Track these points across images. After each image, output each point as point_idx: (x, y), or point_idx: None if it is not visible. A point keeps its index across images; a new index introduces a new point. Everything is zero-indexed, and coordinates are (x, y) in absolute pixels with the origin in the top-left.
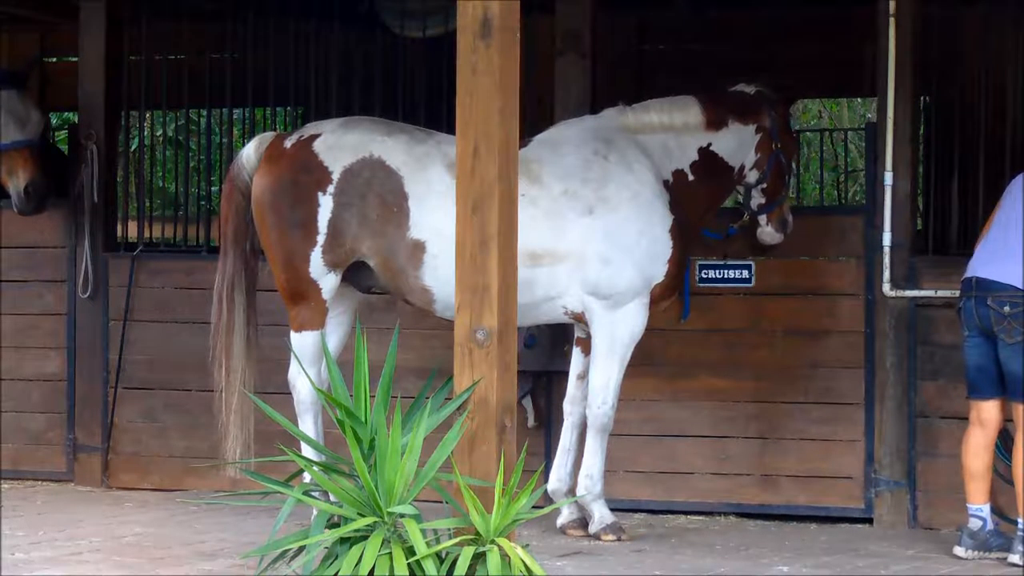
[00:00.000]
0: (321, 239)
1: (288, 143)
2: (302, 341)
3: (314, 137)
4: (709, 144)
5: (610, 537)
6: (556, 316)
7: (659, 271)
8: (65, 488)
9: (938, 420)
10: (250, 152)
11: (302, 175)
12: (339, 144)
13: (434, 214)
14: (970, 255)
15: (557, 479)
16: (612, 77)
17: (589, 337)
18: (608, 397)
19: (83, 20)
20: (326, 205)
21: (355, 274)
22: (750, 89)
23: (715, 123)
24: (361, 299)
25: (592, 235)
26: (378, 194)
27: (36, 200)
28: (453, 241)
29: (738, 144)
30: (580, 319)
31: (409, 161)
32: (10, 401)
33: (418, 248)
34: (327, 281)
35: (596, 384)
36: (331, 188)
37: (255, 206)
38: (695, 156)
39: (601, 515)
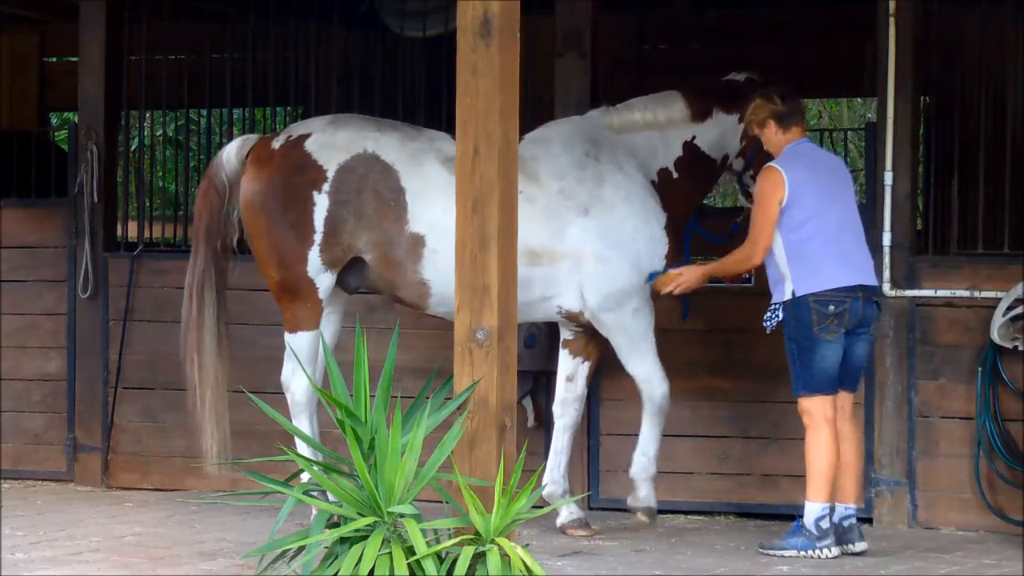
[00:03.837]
0: (318, 238)
1: (277, 144)
2: (297, 341)
3: (304, 137)
4: (693, 137)
5: (644, 518)
6: (549, 315)
7: (657, 268)
8: (65, 488)
9: (938, 420)
10: (231, 153)
11: (296, 175)
12: (332, 142)
13: (432, 208)
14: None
15: (552, 481)
16: (612, 77)
17: (576, 336)
18: (660, 382)
19: (83, 20)
20: (322, 204)
21: (343, 274)
22: (740, 77)
23: (700, 115)
24: (359, 299)
25: (589, 235)
26: (374, 190)
27: None
28: (451, 236)
29: (721, 134)
30: (574, 318)
31: (403, 156)
32: (10, 401)
33: (418, 242)
34: (324, 280)
35: (639, 375)
36: (326, 186)
37: (245, 209)
38: (679, 152)
39: (646, 494)
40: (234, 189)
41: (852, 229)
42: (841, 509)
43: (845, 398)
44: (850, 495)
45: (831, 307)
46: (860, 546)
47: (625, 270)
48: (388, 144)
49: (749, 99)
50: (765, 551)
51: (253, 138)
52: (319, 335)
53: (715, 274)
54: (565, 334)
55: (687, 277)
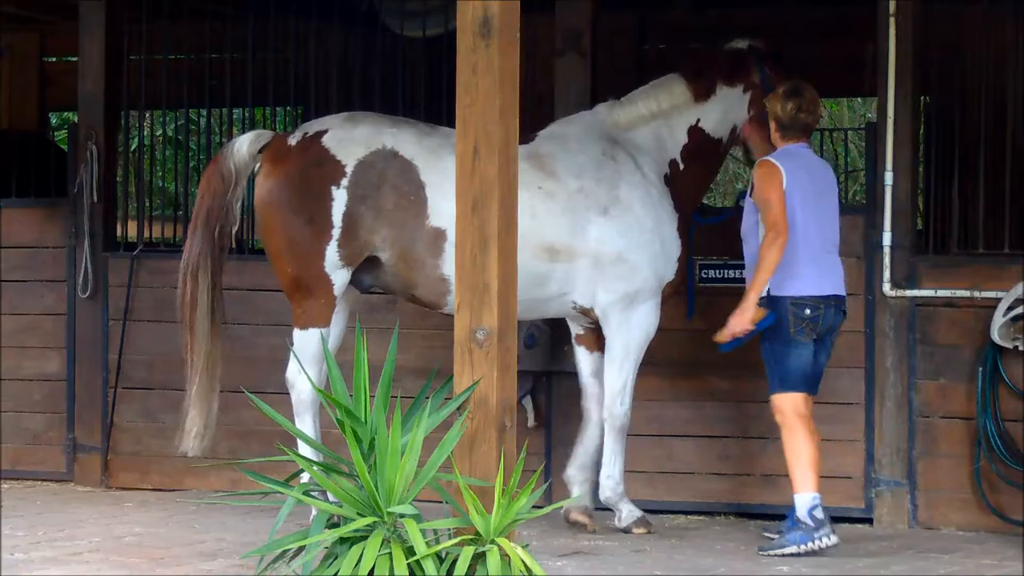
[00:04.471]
0: (336, 233)
1: (293, 140)
2: (307, 338)
3: (321, 133)
4: (698, 120)
5: (641, 530)
6: (564, 311)
7: (671, 270)
8: (65, 488)
9: (938, 420)
10: (242, 143)
11: (313, 170)
12: (350, 138)
13: (452, 203)
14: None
15: (578, 467)
16: (612, 77)
17: (588, 332)
18: (626, 399)
19: (83, 20)
20: (340, 199)
21: (356, 273)
22: (743, 44)
23: (703, 94)
24: (359, 298)
25: (608, 235)
26: (393, 185)
27: None
28: None
29: (726, 110)
30: (588, 314)
31: (422, 151)
32: (10, 401)
33: (439, 236)
34: (339, 276)
35: (614, 386)
36: (345, 181)
37: (261, 205)
38: (685, 139)
39: (629, 511)
40: (239, 179)
41: (831, 238)
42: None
43: (809, 400)
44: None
45: (807, 311)
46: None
47: (643, 271)
48: (406, 139)
49: (753, 68)
50: (767, 553)
51: (267, 134)
52: (329, 333)
53: (759, 289)
54: (577, 329)
55: (738, 319)
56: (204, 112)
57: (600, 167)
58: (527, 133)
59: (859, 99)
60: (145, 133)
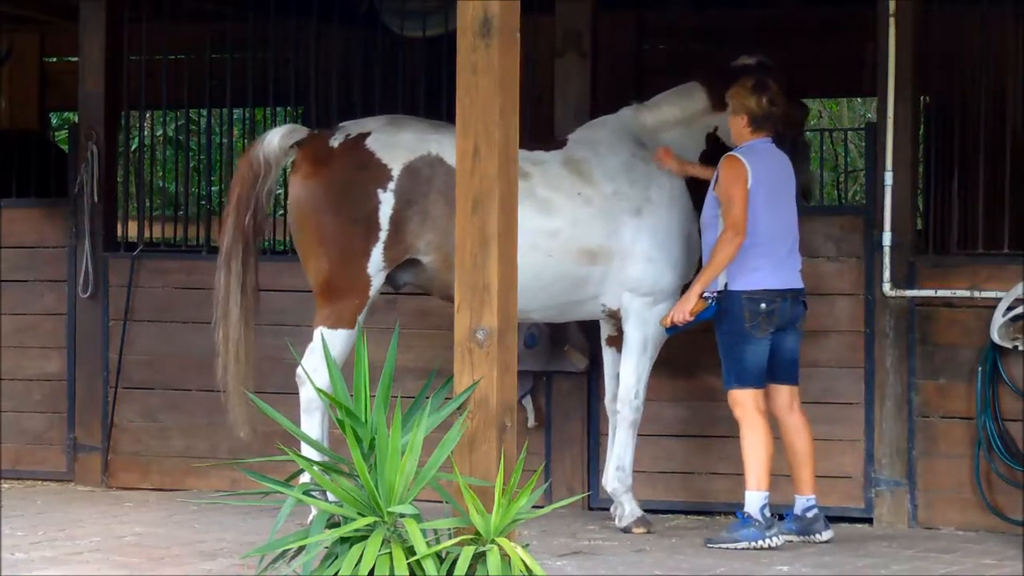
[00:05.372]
0: (383, 235)
1: (335, 142)
2: (335, 338)
3: (364, 135)
4: (715, 128)
5: (641, 530)
6: (594, 313)
7: (691, 269)
8: (65, 488)
9: (938, 420)
10: (274, 136)
11: (358, 173)
12: (394, 142)
13: None
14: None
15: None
16: (612, 77)
17: (620, 334)
18: (640, 392)
19: (83, 20)
20: (387, 202)
21: (393, 272)
22: (751, 60)
23: (719, 104)
24: (376, 301)
25: (640, 235)
26: (441, 192)
27: None
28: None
29: None
30: (614, 315)
31: None
32: (10, 401)
33: None
34: (379, 278)
35: (629, 380)
36: (392, 185)
37: (300, 205)
38: (704, 145)
39: (631, 509)
40: (269, 171)
41: (790, 233)
42: (803, 501)
43: (791, 391)
44: (808, 486)
45: (763, 305)
46: (826, 535)
47: (668, 270)
48: (451, 146)
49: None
50: (714, 546)
51: (302, 129)
52: (354, 334)
53: (706, 283)
54: (610, 330)
55: (679, 308)
56: (204, 112)
57: (632, 169)
58: (527, 134)
59: (859, 99)
60: (145, 133)
